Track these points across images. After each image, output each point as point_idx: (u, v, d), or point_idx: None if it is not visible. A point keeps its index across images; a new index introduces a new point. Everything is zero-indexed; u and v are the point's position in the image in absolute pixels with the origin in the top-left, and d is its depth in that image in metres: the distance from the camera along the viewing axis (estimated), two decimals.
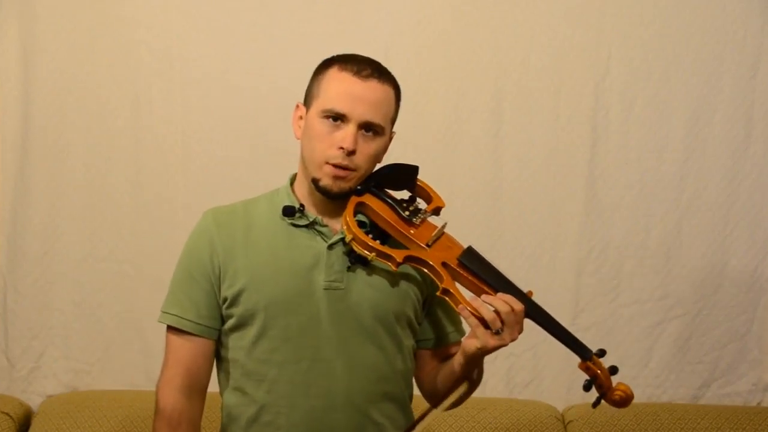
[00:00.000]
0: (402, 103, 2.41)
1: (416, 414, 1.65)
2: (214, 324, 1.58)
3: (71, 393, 2.40)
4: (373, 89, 1.52)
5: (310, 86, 1.58)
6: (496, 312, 1.44)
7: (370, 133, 1.53)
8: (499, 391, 2.48)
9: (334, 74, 1.53)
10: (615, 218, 2.47)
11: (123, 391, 2.39)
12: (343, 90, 1.51)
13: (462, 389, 1.50)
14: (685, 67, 2.46)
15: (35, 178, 2.40)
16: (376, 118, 1.52)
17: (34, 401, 2.41)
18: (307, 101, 1.57)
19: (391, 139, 1.61)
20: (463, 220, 2.44)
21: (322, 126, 1.51)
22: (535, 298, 2.45)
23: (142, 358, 2.40)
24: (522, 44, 2.44)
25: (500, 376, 2.48)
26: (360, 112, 1.50)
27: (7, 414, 2.25)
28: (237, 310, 1.55)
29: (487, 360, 2.40)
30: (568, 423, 2.35)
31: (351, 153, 1.50)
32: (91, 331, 2.43)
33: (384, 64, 2.37)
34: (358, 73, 1.51)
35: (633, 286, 2.48)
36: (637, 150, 2.47)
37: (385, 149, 1.59)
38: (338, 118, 1.51)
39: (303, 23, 2.41)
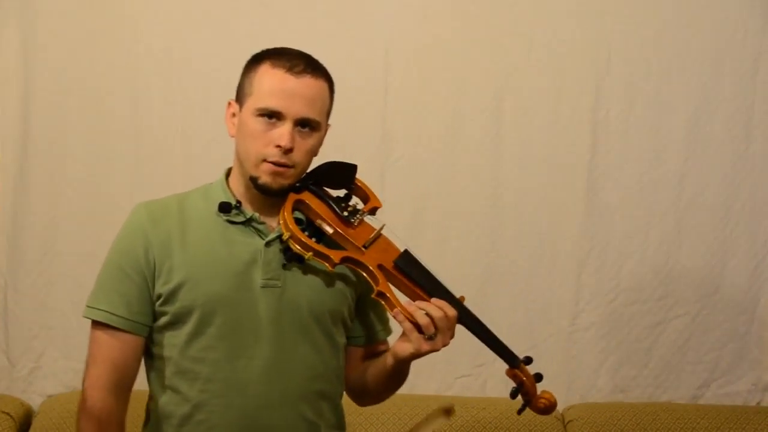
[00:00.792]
0: (402, 103, 2.44)
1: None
2: (145, 320, 1.54)
3: (71, 393, 2.39)
4: (307, 85, 1.50)
5: (242, 83, 1.56)
6: (430, 317, 1.44)
7: (307, 129, 1.52)
8: (499, 391, 2.47)
9: (266, 70, 1.51)
10: (615, 218, 2.47)
11: None
12: (277, 87, 1.49)
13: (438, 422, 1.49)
14: (685, 66, 2.46)
15: (35, 178, 2.40)
16: (312, 114, 1.51)
17: (34, 401, 2.40)
18: (240, 98, 1.55)
19: (326, 132, 1.60)
20: (463, 220, 2.45)
21: (258, 124, 1.50)
22: (535, 298, 2.48)
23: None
24: (522, 44, 2.44)
25: (500, 376, 2.44)
26: (296, 109, 1.49)
27: (8, 414, 2.25)
28: (172, 308, 1.52)
29: (488, 360, 2.44)
30: (567, 423, 2.36)
31: (288, 150, 1.49)
32: None
33: (384, 64, 2.42)
34: (291, 69, 1.50)
35: (633, 286, 2.48)
36: (637, 150, 2.47)
37: (321, 143, 1.58)
38: (273, 115, 1.50)
39: (303, 23, 2.40)
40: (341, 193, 1.61)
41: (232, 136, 1.57)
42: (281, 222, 1.52)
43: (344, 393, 1.68)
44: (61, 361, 2.42)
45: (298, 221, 1.54)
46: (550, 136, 2.46)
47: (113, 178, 2.42)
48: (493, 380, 2.48)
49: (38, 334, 2.42)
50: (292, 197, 1.55)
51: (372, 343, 1.69)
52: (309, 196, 1.56)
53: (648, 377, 2.49)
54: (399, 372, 1.57)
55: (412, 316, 1.45)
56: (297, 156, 1.51)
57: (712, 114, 2.47)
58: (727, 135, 2.47)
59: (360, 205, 1.59)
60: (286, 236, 1.51)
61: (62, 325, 2.42)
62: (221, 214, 1.55)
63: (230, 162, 2.38)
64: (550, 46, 2.45)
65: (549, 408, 1.57)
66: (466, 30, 2.44)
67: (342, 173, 1.60)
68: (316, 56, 1.63)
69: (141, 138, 2.42)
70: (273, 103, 1.49)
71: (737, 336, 2.49)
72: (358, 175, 1.62)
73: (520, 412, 1.60)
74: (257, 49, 2.36)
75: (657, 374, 2.49)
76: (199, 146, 2.42)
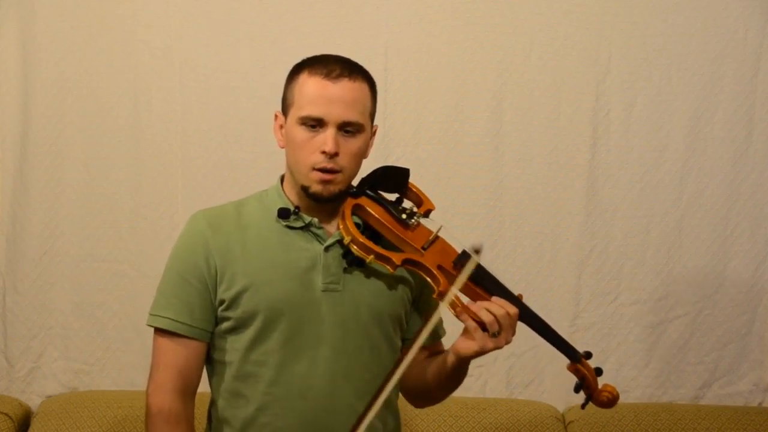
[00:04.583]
0: (402, 103, 2.44)
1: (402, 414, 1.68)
2: (207, 326, 1.57)
3: (70, 393, 2.39)
4: (345, 88, 1.52)
5: (285, 94, 1.59)
6: (493, 315, 1.47)
7: (350, 132, 1.53)
8: (500, 392, 2.48)
9: (304, 79, 1.54)
10: (615, 218, 2.47)
11: (122, 391, 2.39)
12: (316, 94, 1.51)
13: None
14: (685, 66, 2.46)
15: (35, 178, 2.40)
16: (353, 117, 1.52)
17: (33, 401, 2.40)
18: (284, 110, 1.58)
19: (374, 133, 1.61)
20: (464, 220, 2.45)
21: (302, 133, 1.52)
22: (535, 298, 2.47)
23: (141, 358, 2.39)
24: (522, 44, 2.44)
25: (500, 376, 2.48)
26: (336, 113, 1.51)
27: (7, 414, 2.25)
28: (235, 313, 1.55)
29: (488, 360, 2.43)
30: (568, 423, 2.35)
31: (334, 155, 1.51)
32: (91, 331, 2.42)
33: (384, 64, 2.42)
34: (327, 75, 1.52)
35: (633, 286, 2.47)
36: (637, 150, 2.47)
37: (368, 145, 1.59)
38: (316, 122, 1.52)
39: (303, 23, 2.41)
40: (393, 197, 1.62)
41: (282, 148, 1.59)
42: (341, 227, 1.54)
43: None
44: (60, 361, 2.43)
45: (356, 226, 1.55)
46: (550, 135, 2.46)
47: (113, 178, 2.42)
48: (493, 381, 2.48)
49: (37, 334, 2.42)
50: (351, 202, 1.56)
51: (434, 342, 1.70)
52: (367, 201, 1.57)
53: (648, 377, 2.48)
54: (459, 371, 1.58)
55: (475, 314, 1.46)
56: (343, 160, 1.52)
57: (712, 114, 2.47)
58: (728, 135, 2.47)
59: (414, 209, 1.60)
60: (347, 240, 1.52)
61: (61, 325, 2.42)
62: (280, 220, 1.57)
63: (229, 162, 2.42)
64: (550, 46, 2.45)
65: (612, 401, 1.57)
66: (466, 30, 2.44)
67: (395, 177, 1.62)
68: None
69: (141, 138, 2.42)
70: (313, 111, 1.51)
71: (738, 336, 2.49)
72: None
73: (583, 406, 1.61)
74: (257, 49, 2.42)
75: (657, 375, 2.48)
76: (199, 146, 2.42)
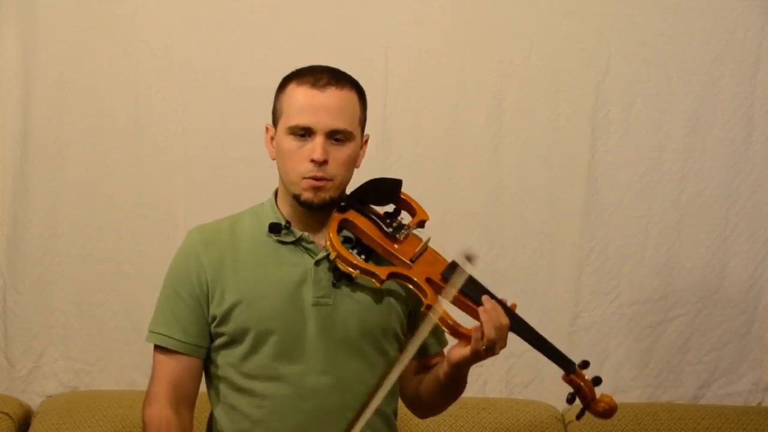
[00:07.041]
0: (402, 103, 2.45)
1: (400, 428, 1.68)
2: (201, 342, 1.59)
3: (71, 393, 2.40)
4: (332, 97, 1.53)
5: (274, 106, 1.60)
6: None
7: (339, 140, 1.54)
8: (499, 392, 2.48)
9: (292, 90, 1.55)
10: (615, 218, 2.47)
11: (123, 391, 2.39)
12: (304, 103, 1.53)
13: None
14: (685, 66, 2.46)
15: (35, 177, 2.40)
16: (341, 124, 1.53)
17: (33, 401, 2.40)
18: (274, 121, 1.60)
19: (365, 142, 1.62)
20: (463, 221, 2.45)
21: (291, 143, 1.53)
22: (535, 298, 2.48)
23: (142, 358, 2.39)
24: (522, 44, 2.44)
25: (500, 376, 2.48)
26: (324, 121, 1.52)
27: (7, 414, 2.25)
28: (227, 328, 1.56)
29: (487, 361, 2.41)
30: (568, 423, 2.35)
31: (323, 163, 1.51)
32: (91, 331, 2.43)
33: (384, 64, 2.42)
34: (315, 84, 1.53)
35: (633, 286, 2.48)
36: (637, 150, 2.47)
37: (358, 153, 1.60)
38: (304, 132, 1.52)
39: (303, 23, 2.41)
40: (390, 208, 1.62)
41: (274, 159, 1.60)
42: (327, 242, 1.54)
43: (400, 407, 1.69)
44: (61, 361, 2.43)
45: (347, 240, 1.56)
46: (550, 135, 2.45)
47: (113, 179, 2.42)
48: (492, 381, 2.48)
49: (38, 334, 2.42)
50: (338, 217, 1.56)
51: (423, 357, 1.69)
52: (354, 215, 1.57)
53: (648, 377, 2.48)
54: (455, 380, 1.57)
55: (460, 325, 1.47)
56: (333, 168, 1.53)
57: (712, 114, 2.47)
58: (727, 135, 2.47)
59: (406, 220, 1.60)
60: (332, 256, 1.52)
61: (62, 325, 2.42)
62: (271, 235, 1.58)
63: (229, 162, 2.42)
64: (550, 46, 2.45)
65: (609, 411, 1.56)
66: (466, 30, 2.44)
67: (386, 189, 1.61)
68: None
69: (141, 138, 2.42)
70: (301, 120, 1.52)
71: (738, 336, 2.49)
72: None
73: (579, 417, 1.60)
74: (257, 49, 2.42)
75: (657, 374, 2.48)
76: (199, 146, 2.42)
